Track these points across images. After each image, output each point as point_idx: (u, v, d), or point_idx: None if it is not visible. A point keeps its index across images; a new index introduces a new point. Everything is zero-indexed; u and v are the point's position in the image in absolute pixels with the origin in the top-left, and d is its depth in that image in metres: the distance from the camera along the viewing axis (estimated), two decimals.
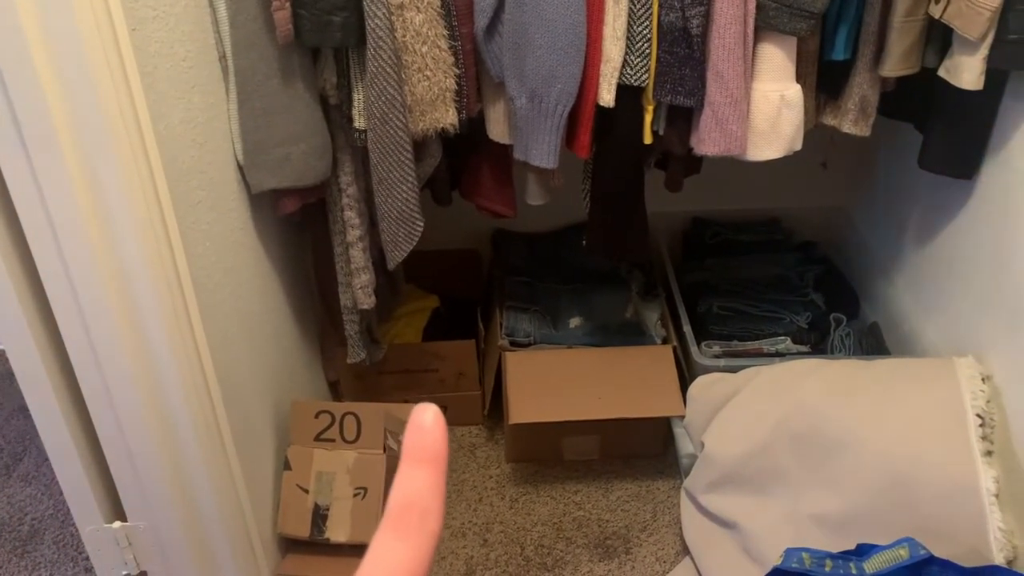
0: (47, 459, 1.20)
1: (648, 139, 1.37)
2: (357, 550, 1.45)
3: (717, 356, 1.78)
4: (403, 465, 0.30)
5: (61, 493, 1.24)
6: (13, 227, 1.02)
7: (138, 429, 1.16)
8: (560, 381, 1.74)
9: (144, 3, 1.04)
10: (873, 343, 1.84)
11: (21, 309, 1.06)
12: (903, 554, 1.19)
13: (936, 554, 1.18)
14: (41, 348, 1.09)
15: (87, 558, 1.55)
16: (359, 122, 1.33)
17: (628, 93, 1.32)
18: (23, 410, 1.98)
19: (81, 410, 1.16)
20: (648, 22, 1.26)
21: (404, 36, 1.25)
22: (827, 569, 1.20)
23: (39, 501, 1.79)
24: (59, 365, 1.13)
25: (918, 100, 1.47)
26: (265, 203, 1.45)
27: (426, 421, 0.30)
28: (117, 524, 1.26)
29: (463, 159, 1.59)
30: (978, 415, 1.30)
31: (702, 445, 1.56)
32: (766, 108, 1.30)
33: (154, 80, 1.06)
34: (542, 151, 1.34)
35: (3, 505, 1.78)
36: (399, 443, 1.55)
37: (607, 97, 1.30)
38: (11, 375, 1.14)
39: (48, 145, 0.95)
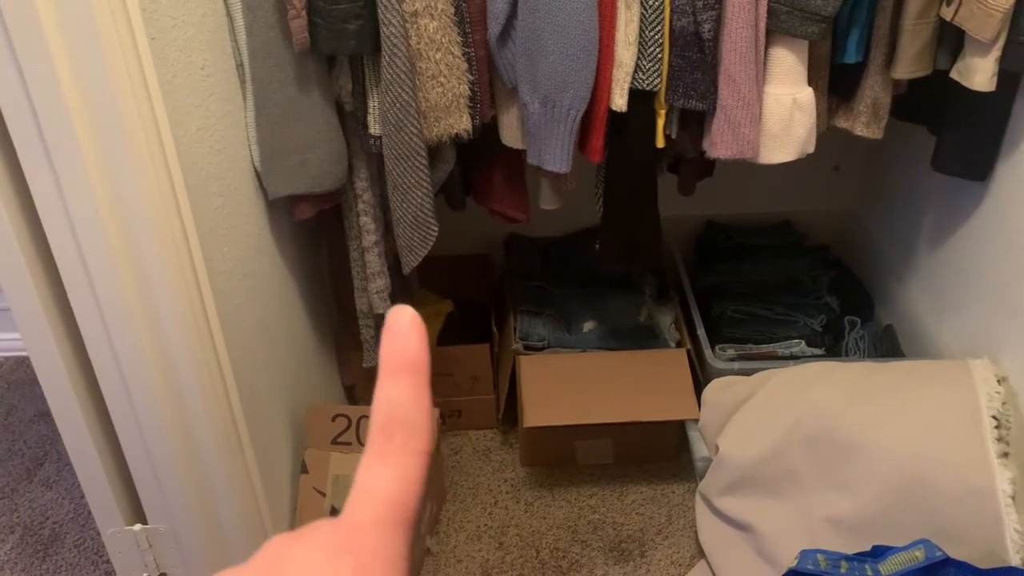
0: (68, 463, 1.22)
1: (661, 143, 1.38)
2: None
3: (731, 359, 1.79)
4: (381, 378, 0.27)
5: (82, 496, 1.26)
6: (36, 234, 1.04)
7: (158, 433, 1.17)
8: (574, 385, 1.75)
9: (163, 12, 1.06)
10: (888, 345, 1.83)
11: (44, 315, 1.07)
12: (919, 556, 1.19)
13: (952, 556, 1.18)
14: (63, 353, 1.11)
15: (108, 561, 1.56)
16: (374, 128, 1.34)
17: (640, 97, 1.33)
18: (44, 415, 2.01)
19: (102, 414, 1.18)
20: (660, 27, 1.27)
21: (418, 43, 1.26)
22: (842, 571, 1.20)
23: (60, 505, 1.81)
24: (81, 370, 1.14)
25: (930, 102, 1.47)
26: (281, 209, 1.46)
27: (402, 324, 0.27)
28: (138, 527, 1.28)
29: (477, 164, 1.60)
30: (994, 417, 1.29)
31: (717, 448, 1.56)
32: (778, 111, 1.31)
33: (173, 88, 1.08)
34: (555, 156, 1.35)
35: (25, 509, 1.80)
36: None
37: (619, 102, 1.31)
38: (34, 380, 1.16)
39: (70, 153, 0.96)
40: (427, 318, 1.95)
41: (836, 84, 1.41)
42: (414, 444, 0.26)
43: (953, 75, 1.34)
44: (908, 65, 1.34)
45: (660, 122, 1.36)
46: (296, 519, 1.50)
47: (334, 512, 1.47)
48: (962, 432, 1.30)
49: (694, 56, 1.27)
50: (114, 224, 1.02)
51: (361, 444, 1.50)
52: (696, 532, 1.62)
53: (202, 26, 1.16)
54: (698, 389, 1.70)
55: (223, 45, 1.24)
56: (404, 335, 0.27)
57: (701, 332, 1.80)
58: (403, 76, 1.24)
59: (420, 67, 1.28)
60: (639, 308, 1.93)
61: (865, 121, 1.43)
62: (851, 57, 1.35)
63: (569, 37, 1.25)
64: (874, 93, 1.40)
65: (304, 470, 1.50)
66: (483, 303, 2.04)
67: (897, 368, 1.49)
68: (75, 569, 1.66)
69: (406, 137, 1.29)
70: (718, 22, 1.25)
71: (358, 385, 1.88)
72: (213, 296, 1.17)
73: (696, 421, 1.67)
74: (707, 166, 1.68)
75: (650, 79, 1.30)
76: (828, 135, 1.47)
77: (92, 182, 0.98)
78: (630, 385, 1.74)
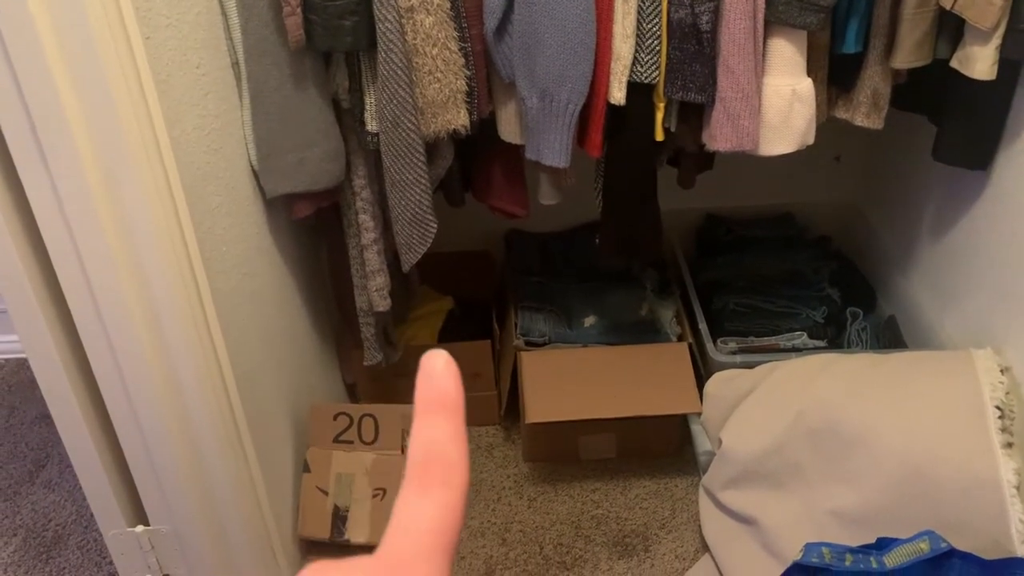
0: (70, 465, 1.22)
1: (660, 136, 1.37)
2: None
3: (733, 353, 1.78)
4: (418, 418, 0.28)
5: (84, 498, 1.26)
6: (34, 236, 1.03)
7: (158, 433, 1.17)
8: (576, 380, 1.74)
9: (158, 11, 1.05)
10: (890, 337, 1.83)
11: (43, 317, 1.07)
12: (924, 547, 1.18)
13: (957, 547, 1.18)
14: (63, 355, 1.11)
15: (111, 562, 1.56)
16: (371, 125, 1.34)
17: (639, 91, 1.32)
18: (45, 417, 2.01)
19: (102, 416, 1.18)
20: (657, 19, 1.26)
21: (414, 39, 1.25)
22: (847, 563, 1.20)
23: (62, 507, 1.80)
24: (80, 372, 1.14)
25: (931, 92, 1.46)
26: (280, 207, 1.46)
27: (437, 368, 0.28)
28: (140, 528, 1.27)
29: (475, 160, 1.60)
30: (997, 407, 1.29)
31: (720, 442, 1.55)
32: (778, 103, 1.30)
33: (169, 87, 1.08)
34: (554, 150, 1.34)
35: (27, 511, 1.80)
36: None
37: (618, 95, 1.30)
38: (35, 382, 1.16)
39: (66, 154, 0.96)
40: (428, 315, 1.95)
41: (835, 74, 1.40)
42: (455, 478, 0.27)
43: (953, 64, 1.33)
44: (908, 54, 1.33)
45: (659, 115, 1.35)
46: (299, 518, 1.50)
47: (336, 511, 1.47)
48: (966, 423, 1.29)
49: (692, 48, 1.26)
50: (111, 225, 1.02)
51: (363, 442, 1.50)
52: (700, 526, 1.62)
53: (197, 25, 1.16)
54: (700, 383, 1.70)
55: (218, 43, 1.24)
56: (441, 378, 0.28)
57: (703, 326, 1.80)
58: (400, 72, 1.23)
59: (417, 63, 1.27)
60: (640, 302, 1.92)
61: (865, 111, 1.42)
62: (850, 47, 1.34)
63: (566, 31, 1.24)
64: (874, 83, 1.39)
65: (306, 469, 1.50)
66: (484, 299, 2.03)
67: (900, 359, 1.48)
68: (78, 571, 1.66)
69: (403, 134, 1.29)
70: (716, 13, 1.24)
71: (359, 383, 1.88)
72: (212, 296, 1.16)
73: (699, 415, 1.66)
74: (707, 159, 1.67)
75: (648, 72, 1.29)
76: (828, 126, 1.46)
77: (88, 183, 0.98)
78: (632, 380, 1.74)
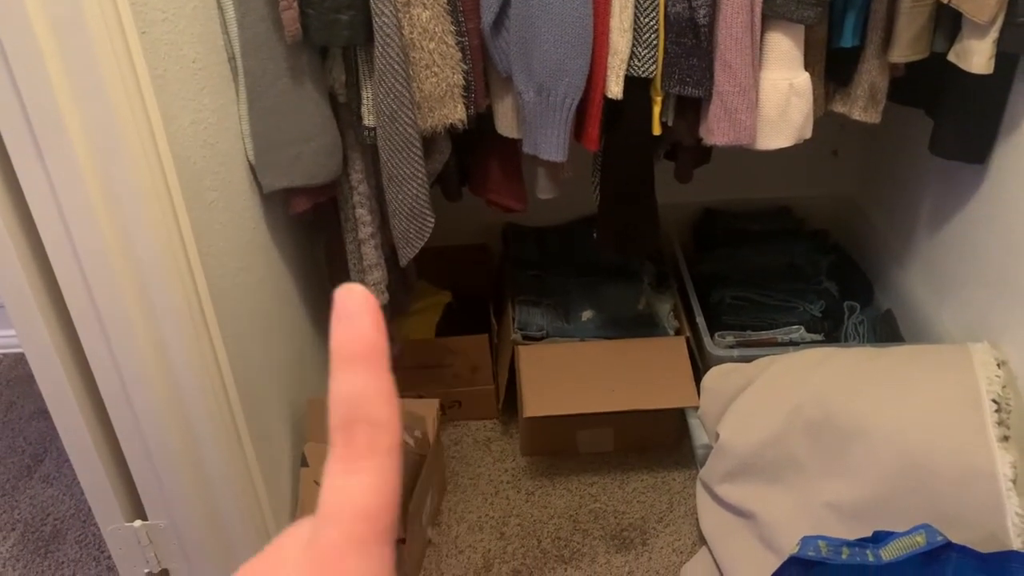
0: (67, 460, 1.22)
1: (657, 130, 1.37)
2: None
3: (730, 346, 1.78)
4: (333, 370, 0.23)
5: (82, 493, 1.26)
6: (30, 230, 1.03)
7: (156, 428, 1.17)
8: (573, 374, 1.74)
9: (153, 6, 1.05)
10: (887, 330, 1.83)
11: (39, 313, 1.07)
12: (920, 541, 1.18)
13: (953, 540, 1.18)
14: (59, 350, 1.11)
15: (109, 557, 1.56)
16: (368, 120, 1.33)
17: (636, 85, 1.32)
18: (43, 412, 2.01)
19: (100, 411, 1.18)
20: (655, 13, 1.26)
21: (411, 33, 1.25)
22: (844, 557, 1.20)
23: (61, 502, 1.81)
24: (77, 367, 1.14)
25: (928, 86, 1.46)
26: (277, 202, 1.45)
27: (353, 307, 0.23)
28: (138, 523, 1.28)
29: (472, 154, 1.59)
30: (994, 400, 1.29)
31: (717, 435, 1.56)
32: (775, 97, 1.30)
33: (165, 82, 1.07)
34: (551, 144, 1.34)
35: (26, 506, 1.80)
36: (414, 439, 1.56)
37: (615, 89, 1.30)
38: (31, 378, 1.16)
39: (62, 149, 0.96)
40: (425, 309, 1.95)
41: (833, 68, 1.40)
42: (381, 441, 0.22)
43: (951, 58, 1.33)
44: (905, 48, 1.33)
45: (656, 109, 1.35)
46: (298, 512, 1.50)
47: None
48: (962, 416, 1.29)
49: (689, 42, 1.26)
50: (107, 220, 1.02)
51: None
52: (697, 520, 1.63)
53: (193, 19, 1.15)
54: (697, 377, 1.70)
55: (214, 38, 1.23)
56: (356, 317, 0.23)
57: (700, 319, 1.80)
58: (396, 66, 1.23)
59: (414, 57, 1.27)
60: (638, 296, 1.93)
61: (863, 105, 1.42)
62: (848, 41, 1.34)
63: (563, 24, 1.24)
64: (871, 77, 1.39)
65: (304, 463, 1.50)
66: (481, 293, 2.04)
67: (897, 353, 1.48)
68: (77, 565, 1.66)
69: (400, 128, 1.29)
70: (713, 7, 1.24)
71: None
72: (209, 291, 1.16)
73: (696, 409, 1.67)
74: (704, 153, 1.67)
75: (645, 66, 1.29)
76: (826, 120, 1.46)
77: (84, 178, 0.98)
78: (629, 374, 1.74)
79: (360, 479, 0.22)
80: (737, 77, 1.27)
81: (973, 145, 1.46)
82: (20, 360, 2.19)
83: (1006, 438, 1.27)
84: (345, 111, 1.38)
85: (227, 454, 1.24)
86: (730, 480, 1.53)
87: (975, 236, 1.53)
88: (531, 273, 1.99)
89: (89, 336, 1.09)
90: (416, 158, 1.33)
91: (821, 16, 1.26)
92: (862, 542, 1.23)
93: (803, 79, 1.30)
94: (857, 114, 1.43)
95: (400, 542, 1.47)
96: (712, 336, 1.79)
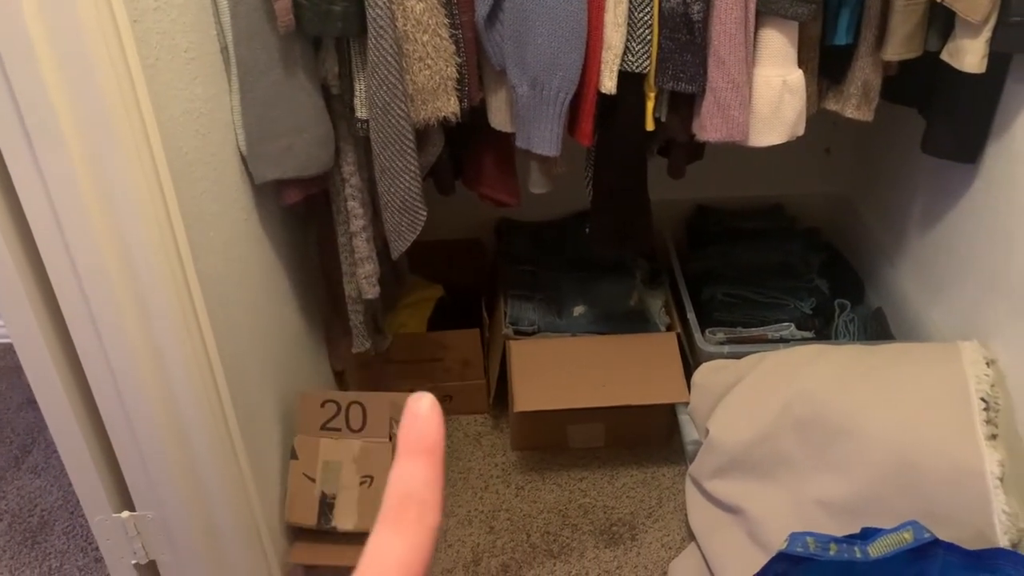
0: (56, 451, 1.21)
1: (650, 126, 1.37)
2: (364, 538, 1.44)
3: (721, 343, 1.79)
4: (399, 457, 0.29)
5: (70, 484, 1.25)
6: (19, 220, 1.03)
7: (145, 419, 1.16)
8: (565, 369, 1.74)
9: None
10: (878, 328, 1.84)
11: (28, 302, 1.06)
12: (907, 537, 1.19)
13: (941, 537, 1.19)
14: (48, 341, 1.10)
15: (96, 548, 1.56)
16: (361, 112, 1.33)
17: (630, 80, 1.32)
18: (31, 403, 2.00)
19: (88, 402, 1.17)
20: (649, 8, 1.26)
21: (405, 25, 1.25)
22: (832, 553, 1.21)
23: (48, 492, 1.80)
24: (66, 357, 1.13)
25: (921, 84, 1.47)
26: (269, 194, 1.45)
27: (422, 410, 0.29)
28: (126, 514, 1.27)
29: (465, 148, 1.59)
30: (982, 399, 1.30)
31: (707, 432, 1.56)
32: (768, 93, 1.30)
33: (156, 71, 1.07)
34: (544, 139, 1.34)
35: (13, 497, 1.80)
36: None
37: (609, 84, 1.30)
38: (19, 368, 1.15)
39: (52, 137, 0.95)
40: (417, 303, 1.95)
41: (826, 66, 1.40)
42: (427, 519, 0.28)
43: (943, 57, 1.33)
44: (898, 47, 1.33)
45: (650, 105, 1.35)
46: (286, 505, 1.50)
47: (323, 498, 1.47)
48: (951, 414, 1.30)
49: (683, 38, 1.26)
50: (98, 210, 1.01)
51: (351, 430, 1.50)
52: (686, 515, 1.63)
53: (185, 8, 1.15)
54: (688, 373, 1.70)
55: (207, 27, 1.23)
56: (425, 420, 0.29)
57: (691, 316, 1.80)
58: (390, 58, 1.23)
59: (407, 49, 1.27)
60: (630, 292, 1.93)
61: (855, 103, 1.42)
62: (841, 39, 1.34)
63: (558, 18, 1.24)
64: (864, 75, 1.39)
65: (294, 456, 1.50)
66: (474, 288, 2.03)
67: (886, 351, 1.49)
68: (64, 556, 1.66)
69: (393, 120, 1.28)
70: (707, 3, 1.24)
71: (347, 371, 1.88)
72: (199, 282, 1.16)
73: (686, 404, 1.67)
74: (697, 149, 1.67)
75: (639, 61, 1.29)
76: (819, 117, 1.46)
77: (74, 167, 0.97)
78: (621, 369, 1.74)
79: (404, 540, 0.27)
80: (730, 73, 1.27)
81: (965, 145, 1.46)
82: (8, 350, 2.18)
83: (994, 436, 1.27)
84: (338, 103, 1.37)
85: (216, 446, 1.24)
86: (719, 476, 1.53)
87: (966, 235, 1.54)
88: (523, 268, 1.99)
89: (78, 326, 1.09)
90: (409, 151, 1.32)
91: (815, 13, 1.26)
92: (850, 539, 1.23)
93: (796, 76, 1.30)
94: (850, 112, 1.43)
95: None
96: (703, 332, 1.80)
